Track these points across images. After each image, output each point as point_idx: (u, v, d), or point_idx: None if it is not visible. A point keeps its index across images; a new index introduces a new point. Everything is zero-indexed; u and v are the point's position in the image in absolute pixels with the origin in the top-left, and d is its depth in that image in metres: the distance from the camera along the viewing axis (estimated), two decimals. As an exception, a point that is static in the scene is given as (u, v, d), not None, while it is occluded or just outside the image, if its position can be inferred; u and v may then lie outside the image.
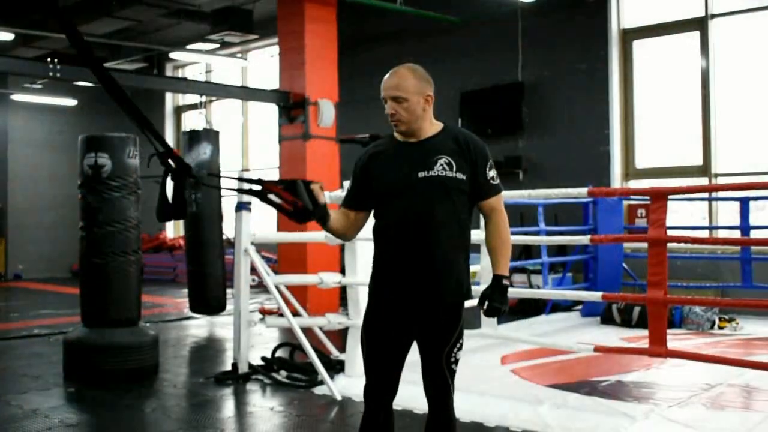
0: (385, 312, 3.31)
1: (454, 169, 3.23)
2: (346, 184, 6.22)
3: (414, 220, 3.22)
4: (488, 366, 6.85)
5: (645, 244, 8.57)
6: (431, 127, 3.34)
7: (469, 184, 3.26)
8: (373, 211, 3.41)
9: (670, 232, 5.40)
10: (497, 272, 3.27)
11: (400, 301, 3.27)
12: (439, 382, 3.30)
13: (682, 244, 6.52)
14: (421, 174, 3.23)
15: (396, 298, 3.27)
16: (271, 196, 3.18)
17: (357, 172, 3.42)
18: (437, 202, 3.22)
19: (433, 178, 3.22)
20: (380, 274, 3.34)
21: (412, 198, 3.22)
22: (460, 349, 3.30)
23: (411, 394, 5.54)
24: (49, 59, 9.79)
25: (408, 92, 3.27)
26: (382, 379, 3.36)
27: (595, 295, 5.98)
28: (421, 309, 3.26)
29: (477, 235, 6.53)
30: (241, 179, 3.50)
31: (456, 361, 3.31)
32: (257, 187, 3.22)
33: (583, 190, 6.15)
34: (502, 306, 3.24)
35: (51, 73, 9.47)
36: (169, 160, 3.28)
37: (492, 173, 3.31)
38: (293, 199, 3.13)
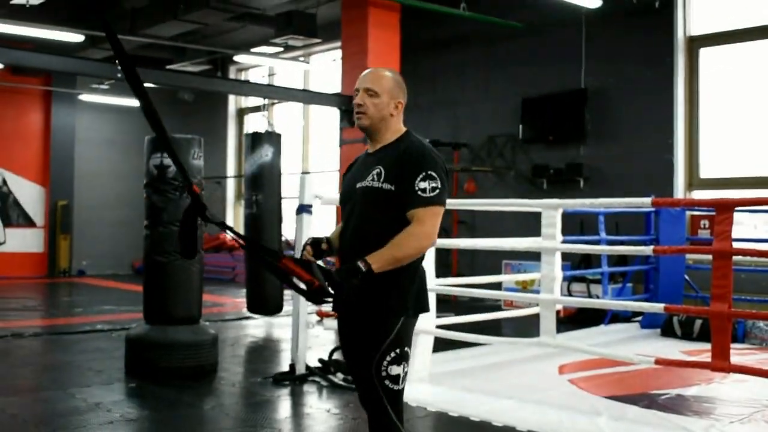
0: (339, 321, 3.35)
1: (382, 179, 3.12)
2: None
3: (351, 232, 3.20)
4: (546, 375, 6.80)
5: (707, 256, 8.44)
6: (392, 136, 3.26)
7: (397, 194, 3.10)
8: None
9: (735, 245, 5.29)
10: (365, 258, 2.98)
11: (340, 311, 3.29)
12: (374, 395, 3.14)
13: (747, 257, 6.40)
14: (359, 185, 3.20)
15: (338, 309, 3.29)
16: (289, 272, 2.98)
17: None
18: (367, 214, 3.16)
19: (365, 189, 3.17)
20: None
21: (353, 209, 3.21)
22: (395, 364, 3.10)
23: (464, 399, 5.52)
24: (116, 60, 9.99)
25: (382, 89, 3.23)
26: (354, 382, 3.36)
27: (657, 307, 5.89)
28: (350, 320, 3.25)
29: (536, 243, 6.50)
30: (258, 246, 3.42)
31: (389, 377, 3.10)
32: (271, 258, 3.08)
33: (647, 200, 6.06)
34: (335, 282, 2.95)
35: (119, 74, 9.66)
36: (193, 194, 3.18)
37: (425, 185, 3.06)
38: (310, 278, 2.93)
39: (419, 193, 3.06)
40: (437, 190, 3.07)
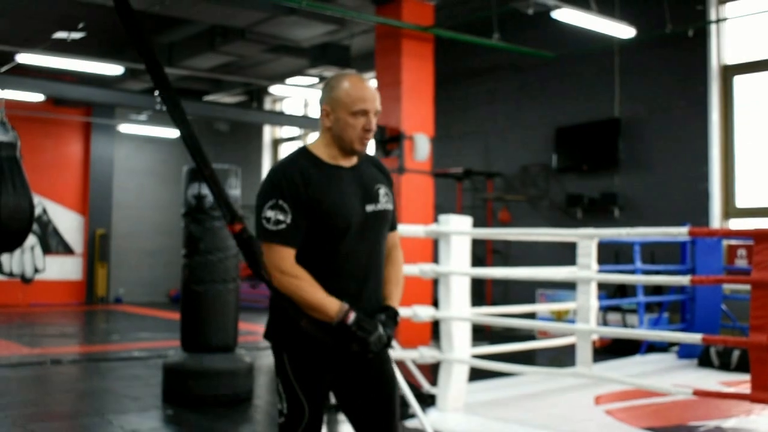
0: None
1: (389, 200, 2.96)
2: (442, 218, 6.29)
3: (369, 259, 2.92)
4: (582, 406, 6.76)
5: (745, 286, 8.37)
6: None
7: (392, 215, 3.01)
8: (311, 245, 2.85)
9: (773, 275, 5.24)
10: (393, 304, 2.94)
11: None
12: None
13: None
14: (370, 208, 2.89)
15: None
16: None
17: (297, 197, 2.80)
18: (381, 239, 2.96)
19: (381, 213, 2.92)
20: None
21: (363, 233, 2.87)
22: (279, 400, 2.92)
23: (500, 429, 5.52)
24: (155, 92, 10.16)
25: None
26: None
27: (695, 338, 5.84)
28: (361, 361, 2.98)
29: (572, 273, 6.49)
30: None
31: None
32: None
33: (684, 230, 6.03)
34: (391, 337, 2.85)
35: (157, 106, 9.81)
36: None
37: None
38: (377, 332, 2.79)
39: (395, 213, 3.05)
40: None
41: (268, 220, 2.77)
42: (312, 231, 2.80)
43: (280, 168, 2.86)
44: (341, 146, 2.89)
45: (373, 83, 3.02)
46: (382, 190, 2.95)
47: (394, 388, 2.99)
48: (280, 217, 2.76)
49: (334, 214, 2.79)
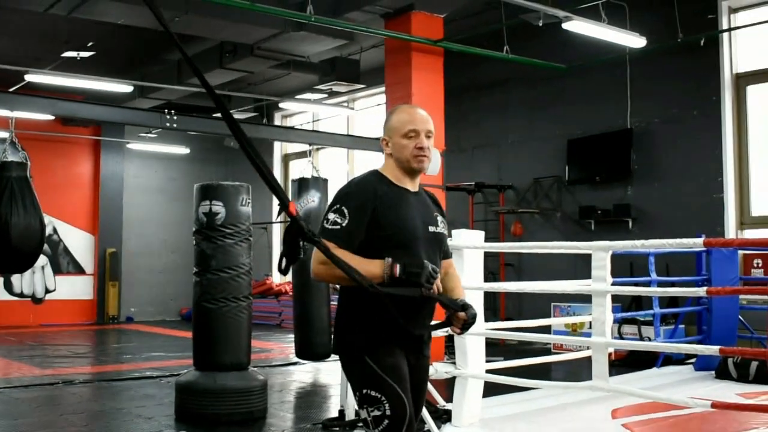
0: None
1: (445, 226, 3.33)
2: (454, 232, 6.23)
3: None
4: (598, 419, 6.67)
5: (762, 296, 8.27)
6: None
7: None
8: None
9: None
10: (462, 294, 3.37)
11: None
12: None
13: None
14: (432, 229, 3.25)
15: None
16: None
17: (360, 208, 3.12)
18: (438, 259, 3.26)
19: (439, 235, 3.29)
20: None
21: (427, 251, 3.19)
22: (375, 406, 3.04)
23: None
24: (165, 110, 10.16)
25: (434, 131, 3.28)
26: None
27: (712, 349, 5.76)
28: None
29: (587, 286, 6.41)
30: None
31: (368, 425, 3.06)
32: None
33: (699, 241, 5.96)
34: (475, 315, 3.21)
35: (167, 124, 9.80)
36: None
37: None
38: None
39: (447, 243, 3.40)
40: None
41: (327, 221, 3.10)
42: (379, 243, 3.09)
43: (353, 182, 3.24)
44: (402, 167, 3.24)
45: (423, 110, 3.33)
46: (440, 218, 3.32)
47: (427, 378, 3.42)
48: (338, 219, 3.08)
49: (402, 227, 3.13)
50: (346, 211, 3.08)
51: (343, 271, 2.89)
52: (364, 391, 3.03)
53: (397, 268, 2.99)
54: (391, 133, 3.25)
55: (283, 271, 3.21)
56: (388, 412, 2.99)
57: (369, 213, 3.09)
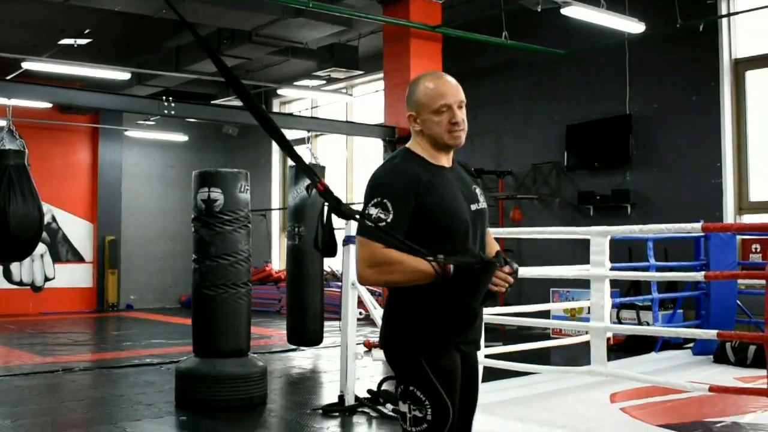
0: None
1: (485, 198, 3.03)
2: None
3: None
4: (597, 404, 6.69)
5: (760, 281, 8.28)
6: None
7: None
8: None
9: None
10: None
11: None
12: None
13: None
14: (474, 206, 2.93)
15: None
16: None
17: (404, 198, 2.79)
18: (484, 238, 3.01)
19: (484, 211, 2.98)
20: None
21: (474, 232, 2.92)
22: (417, 408, 2.83)
23: (516, 429, 5.46)
24: (163, 97, 10.15)
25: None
26: None
27: (710, 333, 5.79)
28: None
29: (586, 271, 6.43)
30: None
31: (405, 419, 2.85)
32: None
33: (697, 226, 5.98)
34: (517, 270, 2.89)
35: (165, 111, 9.80)
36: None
37: None
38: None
39: None
40: None
41: (370, 216, 2.75)
42: (427, 233, 2.78)
43: (390, 168, 2.87)
44: (435, 145, 2.90)
45: (450, 77, 3.00)
46: (478, 190, 3.01)
47: (477, 373, 3.13)
48: (381, 215, 2.74)
49: (452, 215, 2.82)
50: (389, 204, 2.75)
51: (403, 275, 2.72)
52: (411, 388, 2.82)
53: (450, 268, 2.70)
54: (419, 108, 2.90)
55: (323, 251, 3.10)
56: (429, 417, 2.80)
57: (412, 201, 2.77)
